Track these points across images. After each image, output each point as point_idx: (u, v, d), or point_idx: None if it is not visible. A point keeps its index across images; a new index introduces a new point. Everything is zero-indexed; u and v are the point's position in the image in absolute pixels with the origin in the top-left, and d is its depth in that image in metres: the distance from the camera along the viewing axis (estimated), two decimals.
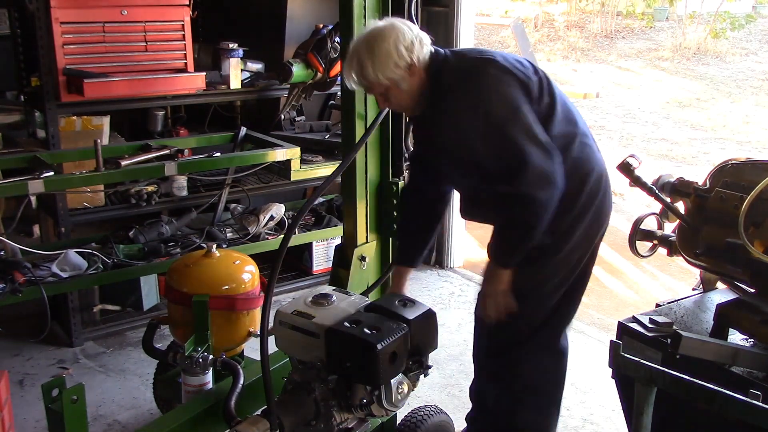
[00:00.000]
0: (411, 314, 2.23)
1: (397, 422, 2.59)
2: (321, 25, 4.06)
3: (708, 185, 2.28)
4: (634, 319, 2.30)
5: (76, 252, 3.39)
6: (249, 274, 2.68)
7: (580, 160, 2.32)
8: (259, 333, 2.10)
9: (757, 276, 2.12)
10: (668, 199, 2.36)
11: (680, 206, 2.38)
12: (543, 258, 2.36)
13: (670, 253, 2.49)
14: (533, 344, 2.48)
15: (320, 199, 4.37)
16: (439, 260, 4.83)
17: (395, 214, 2.75)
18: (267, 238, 3.88)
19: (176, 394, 2.61)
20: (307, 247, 4.35)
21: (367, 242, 2.74)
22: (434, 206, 2.58)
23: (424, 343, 2.26)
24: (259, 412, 2.19)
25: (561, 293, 2.44)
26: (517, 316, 2.37)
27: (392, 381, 2.18)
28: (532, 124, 2.18)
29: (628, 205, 6.08)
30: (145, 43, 3.66)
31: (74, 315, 3.64)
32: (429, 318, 2.28)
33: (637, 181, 2.36)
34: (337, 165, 2.46)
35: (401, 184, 2.75)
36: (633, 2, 15.56)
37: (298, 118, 4.41)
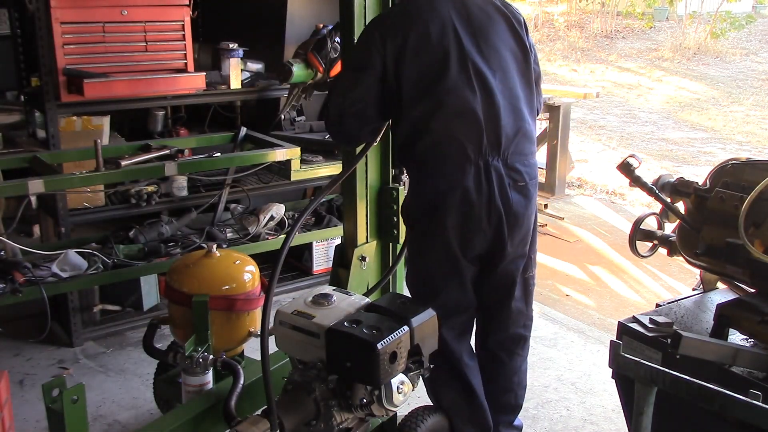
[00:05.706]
0: (411, 314, 2.24)
1: (397, 422, 2.59)
2: (321, 25, 4.05)
3: (708, 185, 2.27)
4: (634, 319, 2.30)
5: (76, 252, 3.39)
6: (249, 274, 2.68)
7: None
8: (259, 333, 2.10)
9: (757, 276, 2.12)
10: (668, 199, 2.36)
11: (680, 206, 2.38)
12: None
13: (670, 253, 2.48)
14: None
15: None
16: None
17: (395, 219, 2.75)
18: (267, 238, 3.88)
19: (176, 394, 2.61)
20: (307, 247, 4.35)
21: (367, 242, 2.73)
22: None
23: (424, 343, 2.26)
24: (259, 412, 2.19)
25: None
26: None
27: (392, 381, 2.18)
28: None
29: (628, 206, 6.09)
30: (145, 43, 3.66)
31: (74, 315, 3.63)
32: (429, 318, 2.28)
33: (637, 181, 2.36)
34: (337, 164, 2.46)
35: (401, 190, 2.74)
36: (633, 2, 15.58)
37: (298, 118, 4.41)
